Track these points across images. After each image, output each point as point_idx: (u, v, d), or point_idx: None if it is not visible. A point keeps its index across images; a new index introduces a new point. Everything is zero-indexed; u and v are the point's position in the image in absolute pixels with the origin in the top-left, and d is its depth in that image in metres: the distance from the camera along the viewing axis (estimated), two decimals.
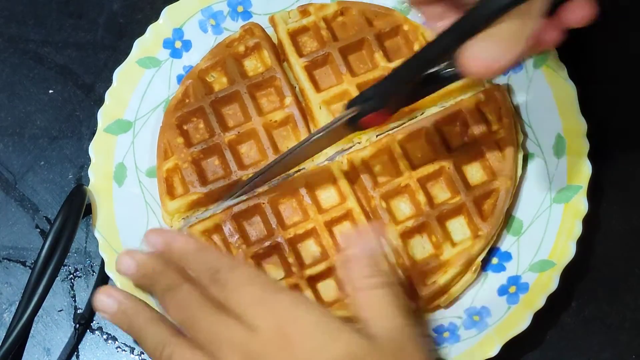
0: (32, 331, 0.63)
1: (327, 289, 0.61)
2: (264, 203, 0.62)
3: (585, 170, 0.62)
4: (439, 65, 0.56)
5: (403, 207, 0.63)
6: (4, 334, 0.60)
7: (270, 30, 0.67)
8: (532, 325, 0.59)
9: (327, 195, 0.63)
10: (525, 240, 0.62)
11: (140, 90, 0.66)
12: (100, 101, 0.70)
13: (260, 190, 0.63)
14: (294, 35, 0.66)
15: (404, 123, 0.65)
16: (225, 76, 0.66)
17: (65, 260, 0.62)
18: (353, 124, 0.57)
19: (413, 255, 0.61)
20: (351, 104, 0.57)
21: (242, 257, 0.61)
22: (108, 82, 0.70)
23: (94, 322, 0.65)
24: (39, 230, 0.67)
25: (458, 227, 0.62)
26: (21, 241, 0.67)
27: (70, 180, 0.69)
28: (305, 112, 0.65)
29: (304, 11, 0.67)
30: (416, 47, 0.65)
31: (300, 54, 0.66)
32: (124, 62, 0.66)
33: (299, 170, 0.64)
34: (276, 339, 0.47)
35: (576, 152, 0.63)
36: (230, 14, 0.68)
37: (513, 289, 0.60)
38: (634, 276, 0.64)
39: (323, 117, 0.64)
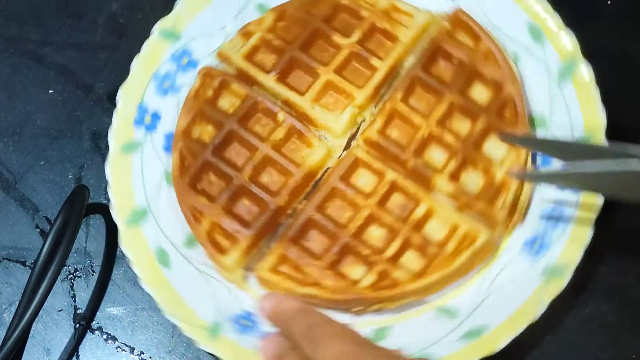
0: (32, 331, 0.63)
1: (411, 261, 0.61)
2: (312, 215, 0.62)
3: (571, 39, 0.64)
4: None
5: (437, 155, 0.63)
6: (4, 334, 0.60)
7: (222, 66, 0.67)
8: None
9: (365, 180, 0.63)
10: (555, 129, 0.63)
11: (138, 176, 0.64)
12: (100, 101, 0.70)
13: (300, 207, 0.63)
14: (250, 58, 0.66)
15: (391, 83, 0.65)
16: (209, 124, 0.65)
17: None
18: None
19: (470, 191, 0.61)
20: None
21: (318, 271, 0.60)
22: (108, 82, 0.70)
23: (94, 322, 0.65)
24: (39, 230, 0.67)
25: (495, 146, 0.63)
26: (21, 241, 0.67)
27: (70, 180, 0.69)
28: (302, 118, 0.64)
29: (245, 33, 0.66)
30: (363, 13, 0.66)
31: (266, 71, 0.65)
32: (108, 157, 0.64)
33: (325, 172, 0.64)
34: None
35: (553, 29, 0.64)
36: (178, 68, 0.67)
37: None
38: (634, 275, 0.64)
39: (320, 114, 0.64)
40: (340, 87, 0.64)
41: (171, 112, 0.66)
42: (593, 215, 0.60)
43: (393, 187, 0.62)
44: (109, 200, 0.63)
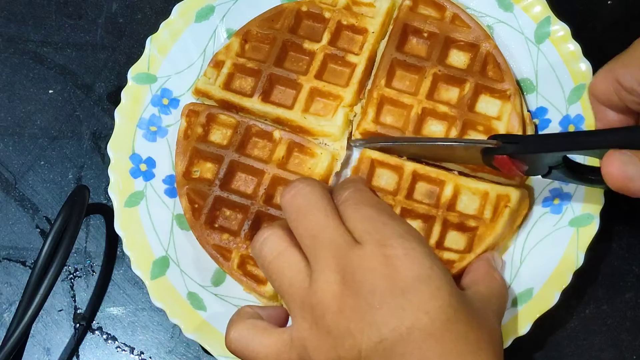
0: (32, 331, 0.63)
1: (455, 241, 0.61)
2: None
3: (539, 1, 0.65)
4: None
5: (436, 128, 0.63)
6: (4, 334, 0.60)
7: (202, 101, 0.66)
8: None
9: (386, 179, 0.63)
10: (543, 89, 0.64)
11: (149, 229, 0.63)
12: (100, 101, 0.70)
13: None
14: (228, 86, 0.65)
15: (371, 73, 0.65)
16: (207, 161, 0.64)
17: None
18: (487, 155, 0.57)
19: None
20: (495, 137, 0.57)
21: None
22: (108, 82, 0.70)
23: (94, 322, 0.65)
24: (39, 230, 0.67)
25: (488, 104, 0.64)
26: (21, 241, 0.67)
27: (70, 180, 0.69)
28: (297, 131, 0.64)
29: (217, 64, 0.66)
30: (326, 15, 0.66)
31: (248, 95, 0.65)
32: (115, 216, 0.63)
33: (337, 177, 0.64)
34: (378, 257, 0.47)
35: None
36: (161, 111, 0.66)
37: (572, 127, 0.63)
38: (634, 275, 0.64)
39: (313, 122, 0.64)
40: (326, 91, 0.64)
41: (165, 156, 0.65)
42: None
43: (416, 178, 0.62)
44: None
